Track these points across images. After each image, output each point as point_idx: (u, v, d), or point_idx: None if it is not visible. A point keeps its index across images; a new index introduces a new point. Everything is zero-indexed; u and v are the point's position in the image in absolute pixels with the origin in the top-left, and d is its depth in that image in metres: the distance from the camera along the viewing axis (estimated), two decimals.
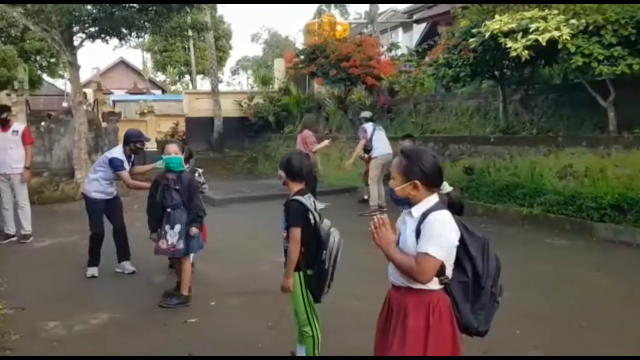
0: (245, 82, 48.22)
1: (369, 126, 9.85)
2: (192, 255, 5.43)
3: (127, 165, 6.14)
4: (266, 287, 5.27)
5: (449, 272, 2.40)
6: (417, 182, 2.40)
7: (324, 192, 11.16)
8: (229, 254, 6.83)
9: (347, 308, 4.85)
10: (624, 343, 4.08)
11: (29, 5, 10.97)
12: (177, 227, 5.02)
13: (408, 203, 2.47)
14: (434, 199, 2.43)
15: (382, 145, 9.66)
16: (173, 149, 5.07)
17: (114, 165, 6.06)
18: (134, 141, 6.14)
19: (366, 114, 10.61)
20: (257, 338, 4.28)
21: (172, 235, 5.01)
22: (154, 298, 5.19)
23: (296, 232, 3.40)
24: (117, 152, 6.21)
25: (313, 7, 31.04)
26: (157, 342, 4.28)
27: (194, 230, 5.04)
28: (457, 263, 2.43)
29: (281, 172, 3.56)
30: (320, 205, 3.78)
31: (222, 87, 24.40)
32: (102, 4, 10.91)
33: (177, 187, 5.06)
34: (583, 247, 6.91)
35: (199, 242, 5.24)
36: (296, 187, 3.53)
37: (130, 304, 5.19)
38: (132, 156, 6.26)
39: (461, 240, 2.40)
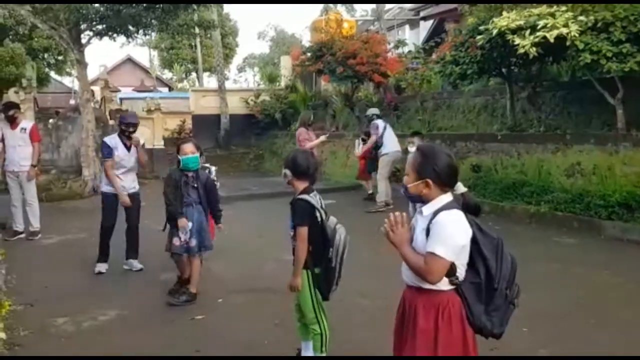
0: (251, 79, 48.15)
1: (380, 123, 9.84)
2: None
3: (120, 152, 6.00)
4: (273, 285, 5.28)
5: (461, 272, 2.37)
6: (429, 180, 2.39)
7: (330, 190, 11.18)
8: (236, 252, 6.84)
9: (354, 305, 4.85)
10: (633, 342, 4.06)
11: (37, 4, 11.03)
12: (189, 225, 5.04)
13: (421, 200, 2.46)
14: (446, 198, 2.40)
15: (391, 142, 9.69)
16: (190, 148, 5.04)
17: (102, 151, 5.97)
18: (119, 122, 6.09)
19: (375, 110, 10.57)
20: (263, 336, 4.29)
21: (184, 232, 5.02)
22: (161, 295, 5.21)
23: (303, 231, 3.40)
24: (109, 137, 6.16)
25: (320, 5, 30.99)
26: (165, 339, 4.31)
27: (221, 227, 5.33)
28: (470, 264, 2.39)
29: (287, 171, 3.53)
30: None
31: (228, 85, 24.43)
32: (110, 2, 10.95)
33: (195, 185, 5.11)
34: (591, 245, 6.87)
35: (210, 239, 5.31)
36: (302, 185, 3.51)
37: (138, 301, 5.22)
38: (133, 147, 6.11)
39: (474, 240, 2.36)
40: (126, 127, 6.05)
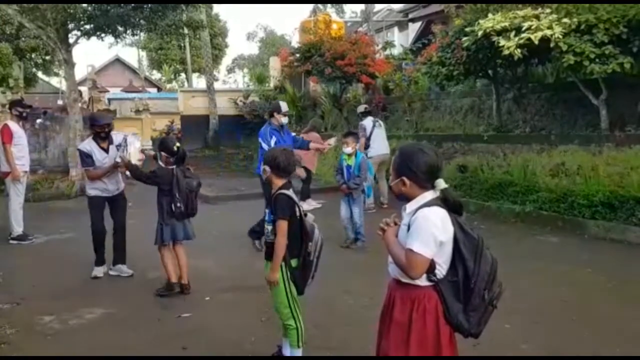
0: (241, 80, 48.21)
1: (368, 123, 9.64)
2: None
3: (99, 156, 5.75)
4: (260, 283, 5.22)
5: (440, 270, 2.38)
6: (405, 179, 2.43)
7: (319, 190, 11.22)
8: (224, 251, 6.87)
9: (340, 303, 4.89)
10: (613, 338, 4.13)
11: (24, 3, 10.98)
12: None
13: (406, 198, 2.49)
14: (429, 195, 2.42)
15: (378, 144, 9.48)
16: None
17: (80, 159, 5.84)
18: (91, 124, 5.91)
19: (363, 107, 10.33)
20: (250, 333, 4.31)
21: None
22: (148, 293, 5.23)
23: (284, 225, 3.45)
24: (84, 143, 5.93)
25: (309, 6, 31.08)
26: (151, 337, 4.32)
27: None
28: (450, 262, 2.41)
29: (266, 167, 3.59)
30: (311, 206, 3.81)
31: (217, 86, 24.44)
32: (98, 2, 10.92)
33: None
34: (574, 244, 6.96)
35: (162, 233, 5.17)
36: (280, 182, 3.57)
37: (125, 299, 5.22)
38: (111, 147, 5.81)
39: (454, 239, 2.38)
40: (100, 129, 5.78)
